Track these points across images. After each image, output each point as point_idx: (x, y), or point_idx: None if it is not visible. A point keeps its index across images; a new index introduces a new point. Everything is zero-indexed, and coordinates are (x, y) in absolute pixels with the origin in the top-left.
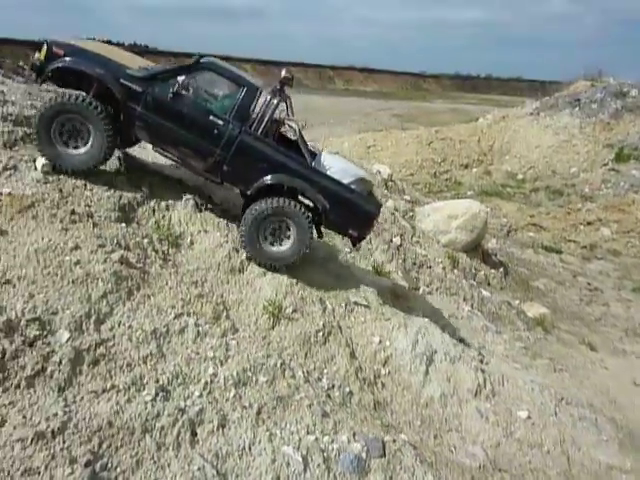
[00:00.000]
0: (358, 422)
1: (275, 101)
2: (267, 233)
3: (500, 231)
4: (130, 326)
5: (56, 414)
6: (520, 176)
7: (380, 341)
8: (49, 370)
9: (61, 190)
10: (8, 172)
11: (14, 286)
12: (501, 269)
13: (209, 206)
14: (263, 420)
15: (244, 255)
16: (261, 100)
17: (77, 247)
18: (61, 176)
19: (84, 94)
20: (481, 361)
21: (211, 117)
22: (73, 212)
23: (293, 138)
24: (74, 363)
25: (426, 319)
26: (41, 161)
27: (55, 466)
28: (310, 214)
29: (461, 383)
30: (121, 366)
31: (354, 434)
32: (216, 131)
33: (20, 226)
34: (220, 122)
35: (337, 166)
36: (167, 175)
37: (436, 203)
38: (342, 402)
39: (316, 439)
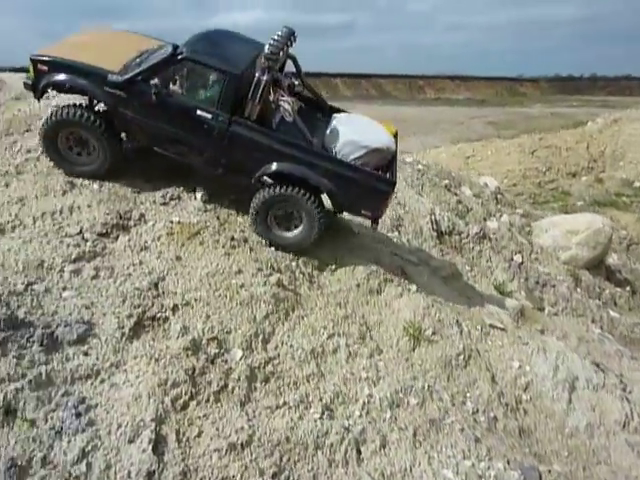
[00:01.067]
0: (508, 449)
1: (264, 78)
2: (277, 219)
3: (619, 245)
4: (291, 345)
5: (242, 427)
6: (637, 184)
7: (520, 366)
8: (230, 386)
9: (219, 217)
10: (173, 202)
11: (192, 307)
12: (627, 287)
13: None
14: (420, 442)
15: (382, 276)
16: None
17: (240, 271)
18: (217, 205)
19: (84, 105)
20: (624, 389)
21: (198, 112)
22: (232, 238)
23: (288, 119)
24: (250, 380)
25: (561, 343)
26: (200, 192)
27: (248, 476)
28: (315, 198)
29: (607, 413)
30: (288, 384)
31: (508, 461)
32: (206, 126)
33: (190, 251)
34: (208, 116)
35: (347, 137)
36: None
37: (553, 217)
38: (488, 427)
39: (472, 465)
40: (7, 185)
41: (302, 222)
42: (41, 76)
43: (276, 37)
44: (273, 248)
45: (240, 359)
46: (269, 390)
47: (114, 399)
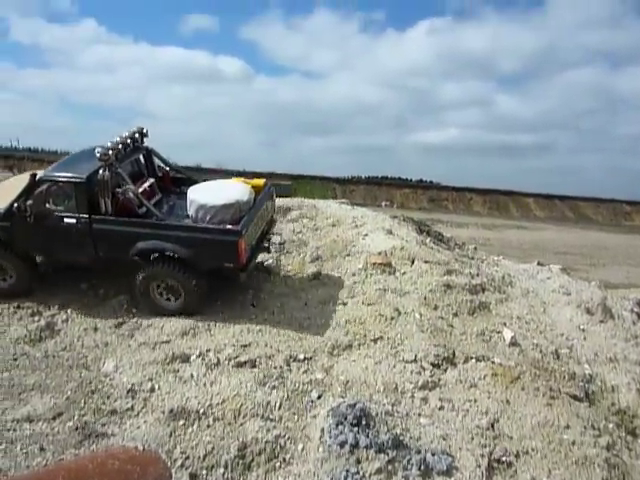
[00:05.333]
0: None
1: (107, 174)
2: (159, 291)
3: None
4: None
5: None
6: None
7: None
8: None
9: (531, 363)
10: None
11: (532, 457)
12: None
13: None
14: None
15: None
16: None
17: (568, 426)
18: (526, 349)
19: None
20: None
21: (65, 220)
22: (551, 389)
23: (132, 197)
24: None
25: None
26: (509, 333)
27: None
28: (180, 266)
29: None
30: None
31: None
32: (74, 229)
33: (514, 397)
34: (73, 221)
35: (198, 202)
36: None
37: None
38: None
39: None
40: None
41: (181, 291)
42: None
43: (114, 140)
44: None
45: None
46: None
47: None
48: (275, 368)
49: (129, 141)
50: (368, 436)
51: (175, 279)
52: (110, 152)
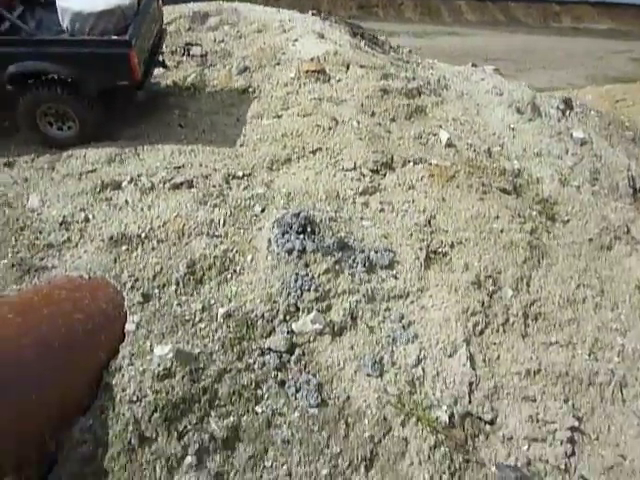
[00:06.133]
0: None
1: None
2: (47, 120)
3: None
4: (549, 291)
5: (531, 357)
6: None
7: None
8: (511, 320)
9: (465, 162)
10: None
11: (465, 246)
12: None
13: None
14: None
15: (612, 234)
16: None
17: (497, 217)
18: (461, 149)
19: None
20: None
21: None
22: (484, 184)
23: None
24: (524, 317)
25: None
26: (445, 135)
27: (543, 399)
28: (65, 88)
29: None
30: (554, 325)
31: None
32: None
33: (450, 194)
34: None
35: (72, 10)
36: None
37: None
38: None
39: None
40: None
41: (72, 118)
42: None
43: None
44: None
45: (511, 297)
46: (540, 328)
47: (426, 319)
48: (214, 187)
49: None
50: (314, 241)
51: (64, 104)
52: None
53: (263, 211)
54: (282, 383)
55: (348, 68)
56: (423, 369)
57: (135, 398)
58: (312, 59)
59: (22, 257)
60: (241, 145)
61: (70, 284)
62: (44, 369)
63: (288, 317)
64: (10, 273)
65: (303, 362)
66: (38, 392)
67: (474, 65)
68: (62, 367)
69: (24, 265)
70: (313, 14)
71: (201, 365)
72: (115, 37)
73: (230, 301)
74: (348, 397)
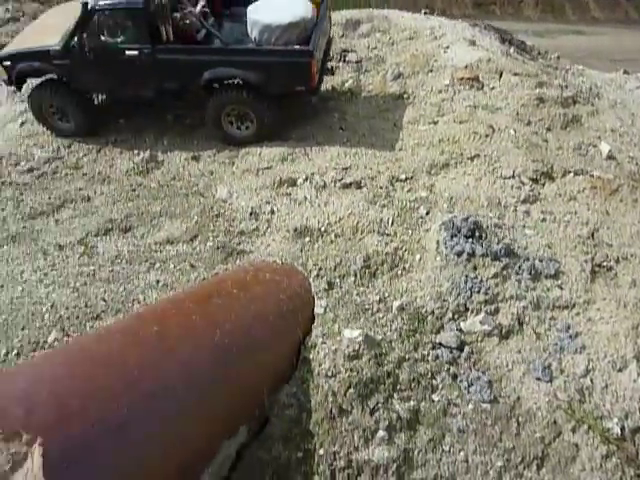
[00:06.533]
0: None
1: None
2: (229, 119)
3: None
4: None
5: None
6: None
7: None
8: None
9: (628, 175)
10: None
11: (630, 262)
12: None
13: None
14: None
15: None
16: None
17: None
18: (622, 162)
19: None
20: None
21: (127, 52)
22: None
23: (194, 21)
24: None
25: None
26: (606, 147)
27: None
28: (251, 93)
29: None
30: None
31: None
32: (138, 62)
33: (613, 208)
34: (135, 52)
35: (262, 23)
36: None
37: None
38: None
39: None
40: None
41: (251, 119)
42: (10, 71)
43: None
44: None
45: None
46: None
47: (593, 331)
48: (380, 188)
49: None
50: (482, 246)
51: (246, 106)
52: None
53: (428, 213)
54: (454, 376)
55: (501, 75)
56: (592, 380)
57: (330, 373)
58: (465, 66)
59: (222, 241)
60: (400, 149)
61: (269, 267)
62: (263, 336)
63: (457, 316)
64: (216, 254)
65: (472, 359)
66: (261, 353)
67: (626, 72)
68: (275, 337)
69: (227, 248)
70: (425, 13)
71: (383, 351)
72: (299, 47)
73: (402, 295)
74: (518, 397)
